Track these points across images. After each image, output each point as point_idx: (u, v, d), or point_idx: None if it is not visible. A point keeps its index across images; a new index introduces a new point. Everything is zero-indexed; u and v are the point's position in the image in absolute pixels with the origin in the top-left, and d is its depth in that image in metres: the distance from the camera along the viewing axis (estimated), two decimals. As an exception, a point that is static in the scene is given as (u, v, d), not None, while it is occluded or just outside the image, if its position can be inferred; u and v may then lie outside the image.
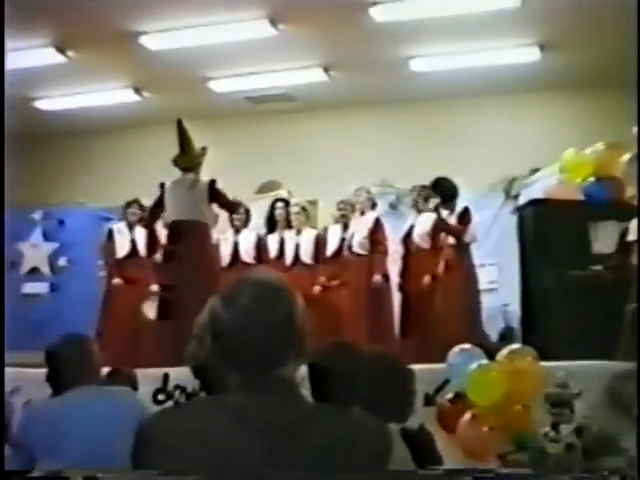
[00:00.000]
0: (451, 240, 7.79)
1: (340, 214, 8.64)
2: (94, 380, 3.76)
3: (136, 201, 8.77)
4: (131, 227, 8.84)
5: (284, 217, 8.76)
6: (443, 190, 7.89)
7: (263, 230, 8.92)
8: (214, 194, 7.18)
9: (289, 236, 8.66)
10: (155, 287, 7.59)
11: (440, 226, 7.85)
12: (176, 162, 7.19)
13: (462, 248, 7.78)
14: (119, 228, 8.89)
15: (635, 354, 5.33)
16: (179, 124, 7.20)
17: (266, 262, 8.43)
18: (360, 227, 8.44)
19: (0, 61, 6.95)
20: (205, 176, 7.24)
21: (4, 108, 7.31)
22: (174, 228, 7.16)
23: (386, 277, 8.29)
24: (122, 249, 8.76)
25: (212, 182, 7.17)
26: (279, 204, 8.89)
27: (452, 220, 7.82)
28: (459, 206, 7.87)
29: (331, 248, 8.55)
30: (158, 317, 7.19)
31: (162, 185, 7.25)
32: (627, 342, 5.58)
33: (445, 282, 7.70)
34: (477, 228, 7.92)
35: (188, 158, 7.17)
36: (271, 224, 8.82)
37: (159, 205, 7.31)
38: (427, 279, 7.78)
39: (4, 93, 7.49)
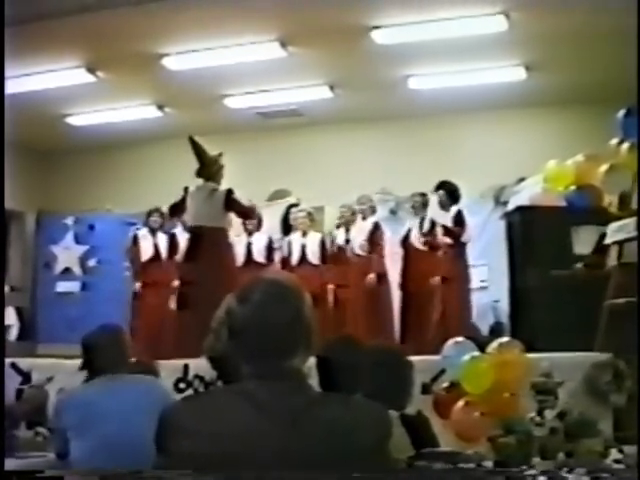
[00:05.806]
0: (448, 240, 7.77)
1: (340, 215, 8.71)
2: (125, 368, 3.74)
3: (157, 209, 8.81)
4: (153, 232, 8.88)
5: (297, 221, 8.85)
6: (449, 190, 7.91)
7: (275, 233, 9.00)
8: (230, 203, 7.17)
9: (295, 238, 8.70)
10: (176, 282, 7.60)
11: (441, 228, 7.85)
12: (199, 174, 7.21)
13: (459, 248, 7.78)
14: (143, 234, 8.92)
15: (611, 346, 5.34)
16: (191, 141, 7.22)
17: (277, 262, 8.51)
18: (361, 231, 8.47)
19: (1, 67, 6.92)
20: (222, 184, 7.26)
21: (4, 111, 7.28)
22: (194, 233, 7.18)
23: (383, 276, 8.31)
24: (146, 253, 8.81)
25: (229, 191, 7.15)
26: (293, 209, 8.98)
27: (447, 221, 7.82)
28: (452, 210, 7.87)
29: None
30: (177, 308, 7.21)
31: (186, 189, 7.25)
32: (604, 335, 5.59)
33: (445, 280, 7.69)
34: (471, 229, 7.90)
35: (208, 170, 7.19)
36: (286, 227, 8.92)
37: (180, 205, 7.31)
38: (436, 279, 7.74)
39: (4, 97, 7.47)
